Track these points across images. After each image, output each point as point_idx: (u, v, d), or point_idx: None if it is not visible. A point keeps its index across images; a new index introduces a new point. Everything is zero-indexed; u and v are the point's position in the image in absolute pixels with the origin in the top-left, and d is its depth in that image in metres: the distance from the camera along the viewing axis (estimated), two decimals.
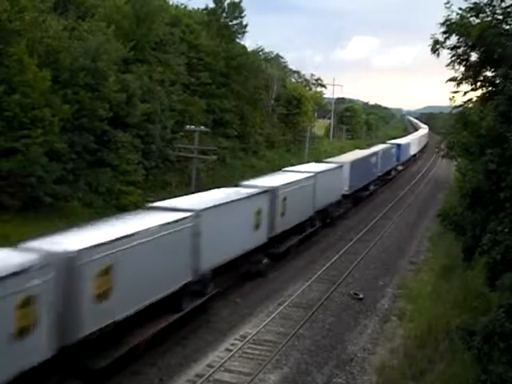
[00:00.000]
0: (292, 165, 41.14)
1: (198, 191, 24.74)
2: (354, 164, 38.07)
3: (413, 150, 72.60)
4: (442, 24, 13.23)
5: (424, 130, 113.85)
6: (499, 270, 11.76)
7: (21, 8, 26.63)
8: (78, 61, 29.94)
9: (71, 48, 30.45)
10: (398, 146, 59.34)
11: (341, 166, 35.06)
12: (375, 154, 47.10)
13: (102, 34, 32.24)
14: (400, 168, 61.20)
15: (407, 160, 67.15)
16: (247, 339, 17.64)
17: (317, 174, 29.71)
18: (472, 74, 13.76)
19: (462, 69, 13.78)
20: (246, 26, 54.42)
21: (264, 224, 22.97)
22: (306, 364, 16.34)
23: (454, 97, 14.17)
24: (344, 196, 35.73)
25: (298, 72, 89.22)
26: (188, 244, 17.46)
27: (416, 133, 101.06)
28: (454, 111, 14.86)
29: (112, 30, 33.37)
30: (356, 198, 39.73)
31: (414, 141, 75.72)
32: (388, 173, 53.17)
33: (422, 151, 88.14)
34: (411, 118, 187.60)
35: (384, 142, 60.86)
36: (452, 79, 13.96)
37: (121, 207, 31.10)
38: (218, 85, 47.04)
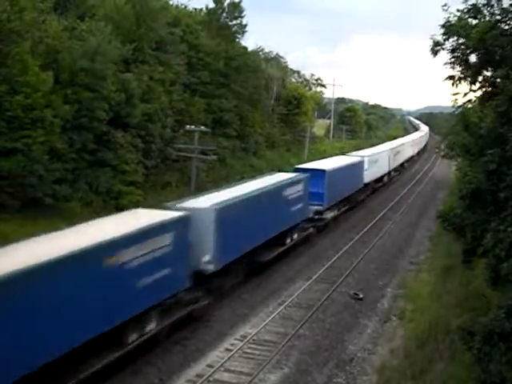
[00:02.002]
0: (292, 165, 40.91)
1: (198, 191, 24.96)
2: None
3: (374, 174, 44.45)
4: (442, 26, 13.20)
5: (419, 132, 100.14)
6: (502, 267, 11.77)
7: (21, 8, 26.62)
8: (78, 62, 29.96)
9: (71, 48, 30.48)
10: (320, 174, 31.08)
11: None
12: (198, 213, 18.44)
13: (100, 33, 32.25)
14: (329, 216, 32.79)
15: (355, 192, 38.96)
16: (247, 339, 17.63)
17: None
18: (471, 74, 13.73)
19: (461, 68, 13.75)
20: (245, 25, 54.50)
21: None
22: (306, 364, 16.34)
23: (456, 99, 14.14)
24: None
25: (298, 72, 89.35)
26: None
27: (395, 141, 66.34)
28: (456, 112, 14.81)
29: (110, 30, 33.38)
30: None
31: (379, 155, 47.06)
32: (277, 241, 24.83)
33: (403, 166, 63.64)
34: (412, 118, 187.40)
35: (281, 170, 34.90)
36: (450, 77, 13.91)
37: (120, 207, 31.16)
38: (217, 85, 47.06)
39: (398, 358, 16.47)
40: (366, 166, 41.42)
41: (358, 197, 40.15)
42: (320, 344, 17.71)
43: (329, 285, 23.34)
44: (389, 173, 52.44)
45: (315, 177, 29.82)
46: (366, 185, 42.20)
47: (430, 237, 32.07)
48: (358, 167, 39.90)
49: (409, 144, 68.99)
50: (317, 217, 30.85)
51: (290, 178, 27.30)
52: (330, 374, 15.91)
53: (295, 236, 27.27)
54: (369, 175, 42.36)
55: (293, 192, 26.28)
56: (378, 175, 46.48)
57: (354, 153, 46.16)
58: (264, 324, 18.89)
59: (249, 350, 17.01)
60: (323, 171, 31.79)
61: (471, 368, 11.94)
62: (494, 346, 10.53)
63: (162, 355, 16.20)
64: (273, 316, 19.67)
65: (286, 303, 20.95)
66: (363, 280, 24.43)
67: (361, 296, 22.19)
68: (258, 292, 22.06)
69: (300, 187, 27.35)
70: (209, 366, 15.86)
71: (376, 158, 45.46)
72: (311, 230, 29.70)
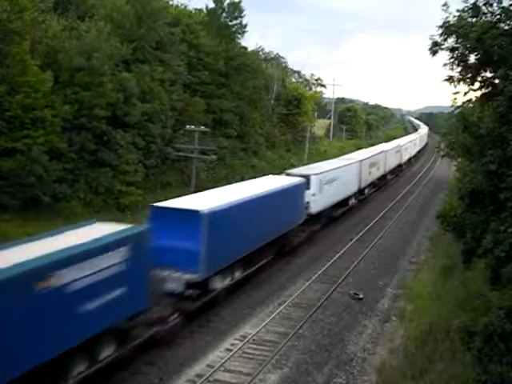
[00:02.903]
0: (293, 165, 40.81)
1: (198, 191, 24.90)
2: None
3: (330, 197, 32.55)
4: (441, 26, 13.20)
5: (413, 135, 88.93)
6: (503, 268, 11.79)
7: (21, 8, 26.64)
8: (74, 60, 29.96)
9: (69, 48, 30.49)
10: (192, 218, 17.83)
11: None
12: None
13: (96, 31, 32.22)
14: (219, 286, 19.78)
15: (289, 231, 26.02)
16: (247, 339, 17.64)
17: None
18: (470, 74, 13.73)
19: (459, 69, 13.75)
20: (245, 25, 54.47)
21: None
22: (306, 364, 16.34)
23: (455, 98, 14.16)
24: None
25: (298, 72, 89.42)
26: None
27: (372, 148, 56.10)
28: (455, 112, 14.82)
29: (109, 28, 33.35)
30: None
31: (340, 171, 34.73)
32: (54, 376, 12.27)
33: (385, 178, 51.95)
34: (412, 119, 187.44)
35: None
36: (448, 79, 13.90)
37: (120, 207, 31.20)
38: (217, 85, 47.08)
39: (398, 358, 16.48)
40: (312, 188, 29.08)
41: (292, 239, 26.58)
42: (320, 344, 17.71)
43: (329, 283, 23.38)
44: (360, 191, 40.37)
45: (183, 223, 17.75)
46: (314, 216, 29.53)
47: (429, 237, 32.05)
48: (294, 193, 26.43)
49: (393, 151, 55.18)
50: (190, 293, 17.73)
51: (92, 244, 13.42)
52: (329, 373, 15.91)
53: (104, 354, 14.05)
54: (320, 201, 30.12)
55: (99, 270, 13.16)
56: (337, 198, 33.97)
57: (299, 169, 33.22)
58: (264, 324, 18.90)
59: (249, 350, 17.01)
60: (196, 213, 18.04)
61: (471, 368, 11.94)
62: (494, 346, 10.55)
63: (162, 355, 16.20)
64: (273, 316, 19.67)
65: (286, 303, 20.96)
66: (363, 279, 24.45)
67: (361, 296, 22.20)
68: (258, 292, 22.06)
69: (121, 255, 13.96)
70: (209, 365, 15.87)
71: (332, 176, 32.62)
72: (173, 320, 16.74)
